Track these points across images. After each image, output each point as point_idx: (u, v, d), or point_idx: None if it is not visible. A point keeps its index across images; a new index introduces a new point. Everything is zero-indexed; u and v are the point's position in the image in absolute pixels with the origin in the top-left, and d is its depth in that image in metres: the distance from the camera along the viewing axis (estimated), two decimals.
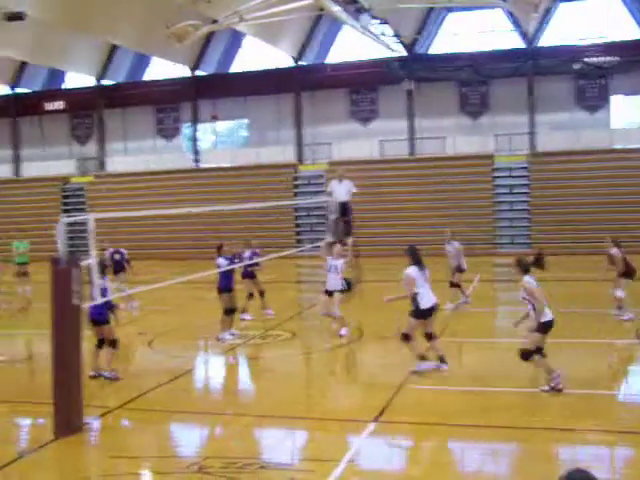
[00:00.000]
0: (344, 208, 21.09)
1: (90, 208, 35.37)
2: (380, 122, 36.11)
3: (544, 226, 31.41)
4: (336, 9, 21.69)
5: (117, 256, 19.02)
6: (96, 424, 9.45)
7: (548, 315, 10.17)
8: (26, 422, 10.25)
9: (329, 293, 15.01)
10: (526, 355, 10.06)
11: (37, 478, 7.97)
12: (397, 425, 9.06)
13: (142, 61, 40.12)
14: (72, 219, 11.20)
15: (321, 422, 9.31)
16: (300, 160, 36.68)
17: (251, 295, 16.90)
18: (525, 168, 32.71)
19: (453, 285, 17.52)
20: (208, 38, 36.08)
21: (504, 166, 33.04)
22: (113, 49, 38.50)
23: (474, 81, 33.93)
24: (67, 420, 8.97)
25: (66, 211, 37.98)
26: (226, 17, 21.42)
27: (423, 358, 11.36)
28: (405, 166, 34.27)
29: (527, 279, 10.25)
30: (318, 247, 22.53)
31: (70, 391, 9.03)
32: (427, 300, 11.29)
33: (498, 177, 33.12)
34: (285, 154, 37.09)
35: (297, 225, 35.44)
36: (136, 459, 8.29)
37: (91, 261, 9.83)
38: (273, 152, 37.21)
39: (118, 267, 18.56)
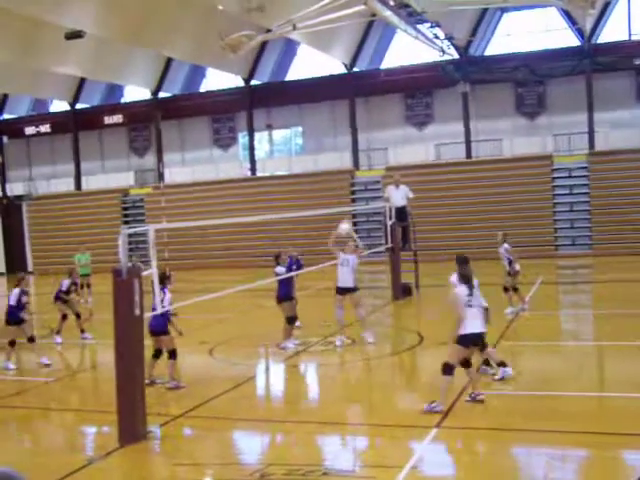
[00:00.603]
0: (401, 213, 21.07)
1: (149, 219, 35.91)
2: (436, 126, 35.89)
3: (605, 226, 30.79)
4: (388, 14, 21.65)
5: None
6: (159, 432, 9.56)
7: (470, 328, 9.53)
8: (92, 430, 10.44)
9: (341, 291, 14.64)
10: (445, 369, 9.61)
11: None
12: (460, 431, 8.96)
13: (197, 73, 40.63)
14: (133, 230, 11.36)
15: (383, 428, 9.26)
16: (356, 166, 36.66)
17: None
18: (585, 168, 32.12)
19: (507, 289, 17.06)
20: (262, 47, 36.36)
21: (563, 166, 32.49)
22: (169, 62, 39.10)
23: (530, 81, 33.47)
24: (131, 428, 9.10)
25: (126, 222, 38.64)
26: (279, 26, 21.53)
27: (503, 364, 11.03)
28: (462, 169, 33.97)
29: (456, 289, 9.82)
30: (376, 252, 22.56)
31: (133, 400, 9.15)
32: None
33: (557, 178, 32.59)
34: (341, 161, 37.12)
35: (355, 231, 35.32)
36: (199, 466, 8.36)
37: (152, 272, 9.96)
38: (329, 159, 37.27)
39: None
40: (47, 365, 14.18)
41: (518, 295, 17.09)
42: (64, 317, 17.18)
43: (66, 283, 17.08)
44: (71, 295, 17.22)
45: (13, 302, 14.32)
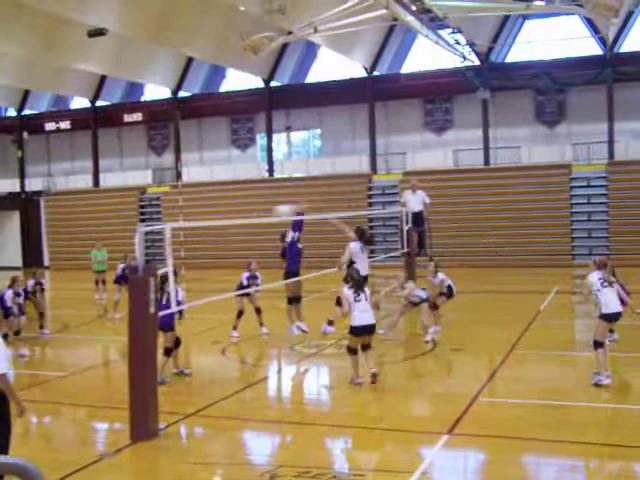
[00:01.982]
0: (418, 218, 21.02)
1: (166, 217, 36.03)
2: (454, 132, 35.82)
3: (623, 237, 30.61)
4: (410, 19, 21.62)
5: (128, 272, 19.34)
6: (171, 430, 9.58)
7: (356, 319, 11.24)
8: (104, 426, 10.48)
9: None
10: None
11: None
12: (471, 438, 8.93)
13: (217, 73, 40.76)
14: (149, 228, 11.41)
15: (394, 433, 9.24)
16: (374, 170, 36.63)
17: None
18: (604, 178, 31.93)
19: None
20: (282, 49, 36.44)
21: (582, 176, 32.33)
22: (189, 61, 39.25)
23: (551, 89, 33.35)
24: (143, 425, 9.13)
25: (143, 220, 38.82)
26: (300, 28, 21.56)
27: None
28: (480, 176, 33.88)
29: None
30: (392, 257, 22.53)
31: (146, 397, 9.19)
32: (612, 305, 10.99)
33: (576, 187, 32.42)
34: (359, 164, 37.11)
35: (371, 235, 35.29)
36: (210, 466, 8.38)
37: (168, 269, 10.00)
38: (347, 162, 37.26)
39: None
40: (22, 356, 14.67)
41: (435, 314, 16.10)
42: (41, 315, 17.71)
43: (30, 283, 17.39)
44: (37, 295, 17.56)
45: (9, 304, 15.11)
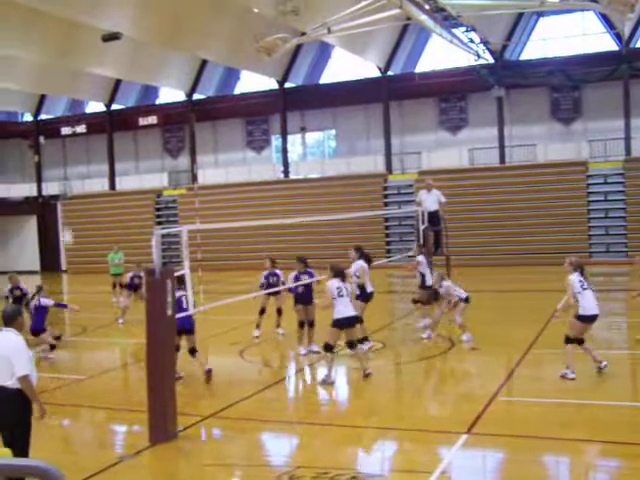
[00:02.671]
0: (433, 218, 20.97)
1: (182, 220, 36.14)
2: (470, 130, 35.73)
3: None
4: (423, 18, 21.58)
5: (137, 280, 19.50)
6: (189, 432, 9.61)
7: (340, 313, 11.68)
8: (123, 428, 10.52)
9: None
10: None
11: None
12: (490, 437, 8.90)
13: (232, 75, 40.86)
14: (166, 231, 11.44)
15: (413, 433, 9.22)
16: (389, 170, 36.58)
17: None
18: (621, 174, 31.73)
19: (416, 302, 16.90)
20: (296, 50, 36.49)
21: (599, 173, 32.14)
22: (203, 64, 39.36)
23: (566, 86, 33.19)
24: (162, 427, 9.16)
25: (159, 223, 38.91)
26: (314, 29, 21.59)
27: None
28: (495, 174, 33.75)
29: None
30: (408, 257, 22.46)
31: (164, 399, 9.21)
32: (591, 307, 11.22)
33: (592, 184, 32.23)
34: (374, 164, 37.08)
35: (387, 235, 35.37)
36: (228, 467, 8.40)
37: (185, 272, 10.03)
38: (362, 162, 37.25)
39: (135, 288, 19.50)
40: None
41: (426, 310, 16.49)
42: None
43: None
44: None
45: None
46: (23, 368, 6.79)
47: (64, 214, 43.32)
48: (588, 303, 11.03)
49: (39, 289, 15.20)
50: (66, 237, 14.34)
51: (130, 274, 20.36)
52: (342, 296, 11.74)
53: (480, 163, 34.75)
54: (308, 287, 14.32)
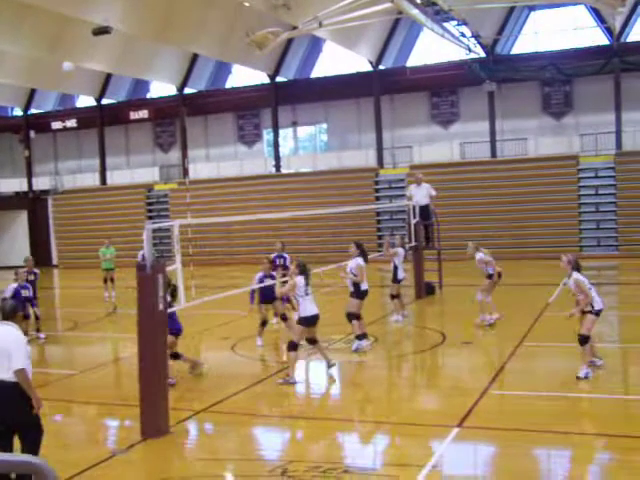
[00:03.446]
0: (424, 212, 21.01)
1: (173, 214, 36.08)
2: (461, 124, 35.75)
3: (632, 228, 30.50)
4: (415, 12, 21.58)
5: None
6: (181, 426, 9.61)
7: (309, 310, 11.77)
8: (115, 423, 10.52)
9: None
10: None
11: (126, 477, 8.17)
12: (482, 431, 8.93)
13: (223, 69, 40.76)
14: (158, 225, 11.43)
15: (404, 427, 9.24)
16: (381, 164, 36.58)
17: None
18: (612, 168, 31.81)
19: (393, 297, 17.09)
20: (288, 44, 36.42)
21: (589, 167, 32.21)
22: (194, 58, 39.24)
23: (557, 80, 33.24)
24: (154, 422, 9.15)
25: (150, 217, 38.80)
26: (305, 23, 21.53)
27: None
28: (487, 168, 33.79)
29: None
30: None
31: (156, 394, 9.20)
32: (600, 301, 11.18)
33: (583, 178, 32.31)
34: (365, 158, 37.07)
35: (378, 229, 35.39)
36: (221, 461, 8.40)
37: (176, 266, 10.01)
38: (353, 156, 37.25)
39: None
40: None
41: (400, 303, 17.00)
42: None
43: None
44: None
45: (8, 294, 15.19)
46: (20, 362, 6.85)
47: (55, 209, 43.19)
48: (597, 297, 10.98)
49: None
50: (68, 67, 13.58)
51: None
52: (308, 294, 11.82)
53: (471, 157, 34.78)
54: (271, 287, 14.35)
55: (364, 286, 14.17)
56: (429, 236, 21.59)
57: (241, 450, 8.81)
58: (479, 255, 15.35)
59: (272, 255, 17.09)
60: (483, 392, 10.37)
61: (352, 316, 13.88)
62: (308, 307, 11.83)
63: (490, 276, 15.32)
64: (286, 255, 17.33)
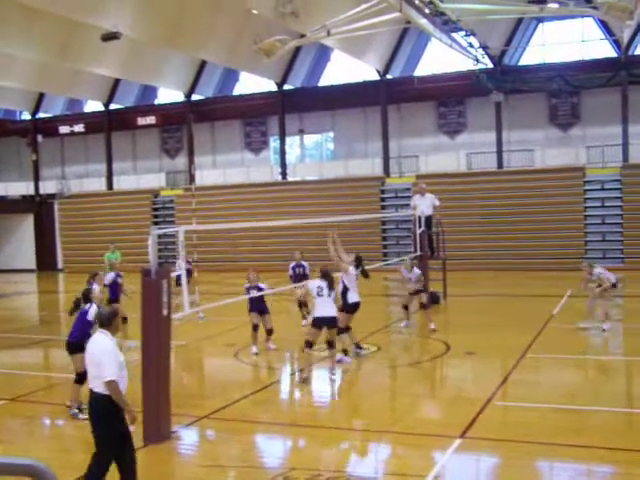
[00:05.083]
0: (428, 222, 21.00)
1: (179, 220, 36.11)
2: (468, 135, 35.76)
3: (638, 240, 30.42)
4: (423, 22, 21.61)
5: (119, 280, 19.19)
6: (184, 433, 9.60)
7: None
8: None
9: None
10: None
11: None
12: (484, 442, 8.89)
13: (231, 76, 40.84)
14: (163, 231, 11.43)
15: (406, 437, 9.21)
16: (387, 173, 36.59)
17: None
18: (618, 181, 31.78)
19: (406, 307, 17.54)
20: (295, 52, 36.49)
21: (596, 179, 32.18)
22: (202, 65, 39.35)
23: (564, 92, 33.24)
24: (156, 428, 9.14)
25: (156, 223, 38.84)
26: (313, 31, 21.59)
27: None
28: (493, 179, 33.78)
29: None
30: (404, 260, 22.43)
31: (159, 400, 9.20)
32: None
33: (589, 190, 32.27)
34: (372, 167, 37.09)
35: (384, 238, 35.38)
36: (222, 468, 8.38)
37: (181, 272, 10.02)
38: (360, 165, 37.28)
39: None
40: None
41: (406, 312, 17.48)
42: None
43: (110, 277, 17.50)
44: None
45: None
46: (111, 373, 6.76)
47: (61, 213, 43.28)
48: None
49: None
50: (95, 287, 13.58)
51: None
52: (321, 296, 12.08)
53: (478, 167, 34.76)
54: (261, 298, 14.57)
55: (353, 298, 13.74)
56: (432, 246, 21.58)
57: (243, 457, 8.79)
58: (597, 270, 15.72)
59: (291, 264, 17.75)
60: (486, 403, 10.34)
61: (340, 331, 13.46)
62: (320, 309, 12.16)
63: (614, 285, 15.78)
64: (305, 264, 17.77)
